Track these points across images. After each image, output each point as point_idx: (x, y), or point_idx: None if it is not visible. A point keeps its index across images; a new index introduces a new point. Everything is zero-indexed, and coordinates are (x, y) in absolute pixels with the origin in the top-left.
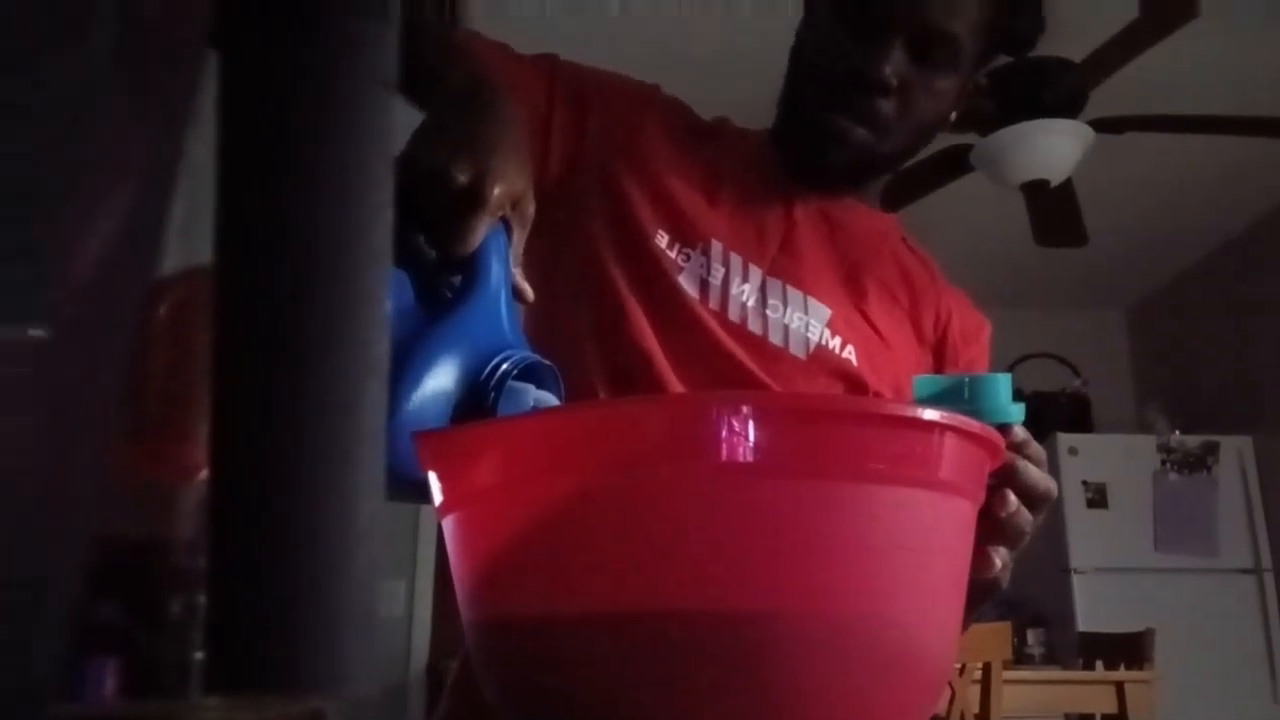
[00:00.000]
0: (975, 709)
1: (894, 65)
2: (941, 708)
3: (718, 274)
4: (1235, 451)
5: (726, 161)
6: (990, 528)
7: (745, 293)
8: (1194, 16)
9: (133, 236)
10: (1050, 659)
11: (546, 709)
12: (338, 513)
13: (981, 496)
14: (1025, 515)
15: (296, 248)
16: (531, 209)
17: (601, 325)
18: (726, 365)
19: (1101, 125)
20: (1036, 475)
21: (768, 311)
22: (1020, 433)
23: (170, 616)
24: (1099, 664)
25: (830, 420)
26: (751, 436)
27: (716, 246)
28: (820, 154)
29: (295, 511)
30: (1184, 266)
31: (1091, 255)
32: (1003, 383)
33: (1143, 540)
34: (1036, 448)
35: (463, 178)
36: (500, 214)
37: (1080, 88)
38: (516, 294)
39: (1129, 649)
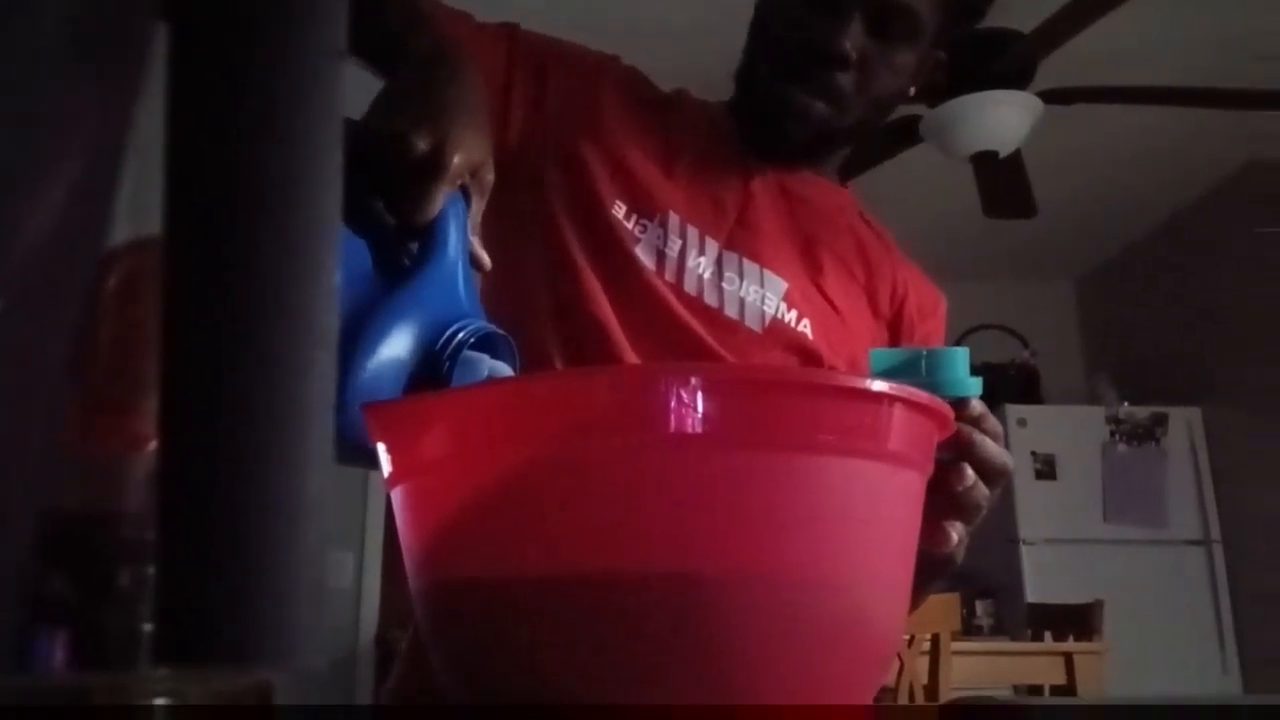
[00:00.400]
0: (924, 680)
1: (853, 39)
2: (890, 679)
3: (674, 245)
4: (1184, 423)
5: (684, 133)
6: (946, 502)
7: (701, 265)
8: None
9: (82, 207)
10: (999, 630)
11: (493, 675)
12: (286, 484)
13: (930, 468)
14: (982, 490)
15: (245, 218)
16: (490, 177)
17: (558, 295)
18: (682, 337)
19: (1050, 96)
20: (993, 449)
21: (724, 284)
22: (978, 406)
23: (119, 588)
24: (1048, 635)
25: (779, 391)
26: (700, 407)
27: (674, 218)
28: (778, 127)
29: (243, 483)
30: (1133, 238)
31: (1040, 227)
32: (960, 356)
33: (1091, 511)
34: (993, 422)
35: (422, 145)
36: (459, 182)
37: (1029, 59)
38: (474, 262)
39: (1078, 620)
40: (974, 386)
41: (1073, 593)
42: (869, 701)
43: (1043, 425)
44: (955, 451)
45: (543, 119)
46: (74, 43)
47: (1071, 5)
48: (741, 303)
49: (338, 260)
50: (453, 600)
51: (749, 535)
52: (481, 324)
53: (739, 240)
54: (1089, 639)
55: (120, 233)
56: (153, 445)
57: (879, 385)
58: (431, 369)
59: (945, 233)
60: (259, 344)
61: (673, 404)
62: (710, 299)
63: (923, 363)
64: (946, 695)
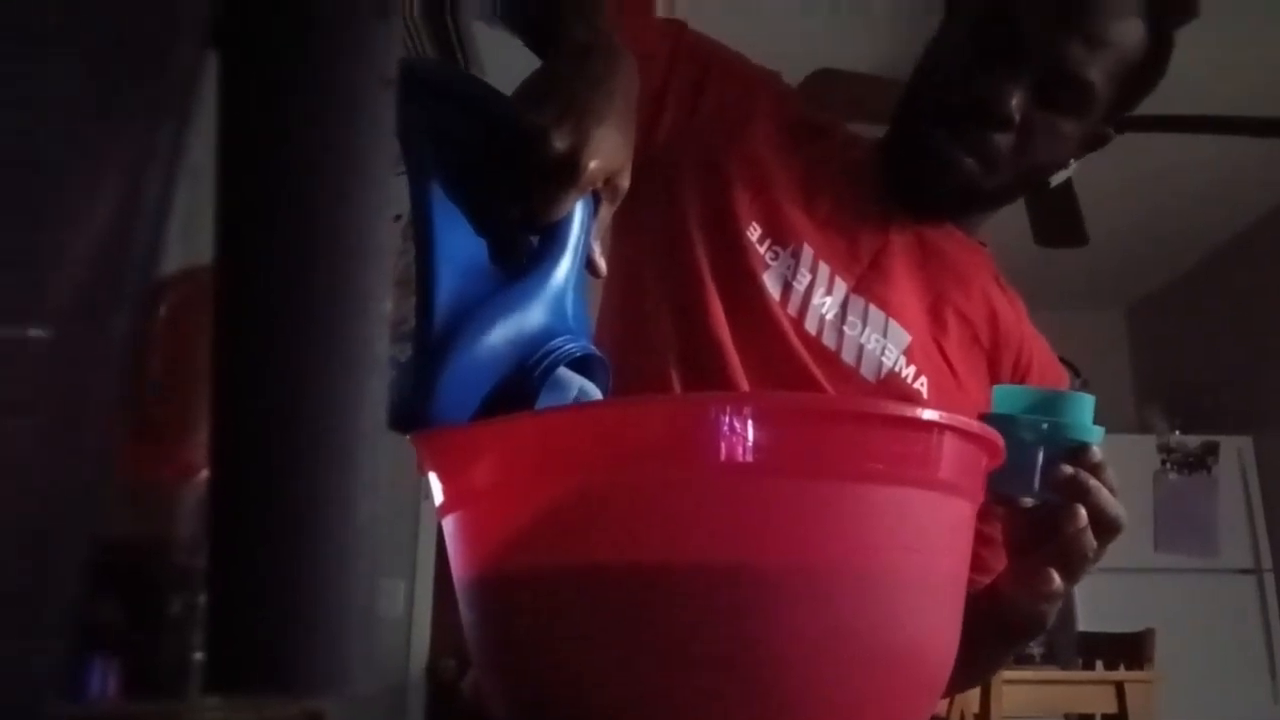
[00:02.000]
0: (975, 709)
1: (1019, 101)
2: (941, 708)
3: (803, 280)
4: (1235, 451)
5: (830, 166)
6: (1053, 543)
7: (826, 305)
8: (1194, 16)
9: (133, 236)
10: (1050, 659)
11: (546, 705)
12: (338, 513)
13: (980, 496)
14: (1090, 540)
15: (297, 247)
16: (625, 184)
17: (679, 305)
18: (795, 373)
19: None
20: (1109, 500)
21: (845, 328)
22: (1098, 454)
23: (170, 616)
24: (1099, 664)
25: (828, 420)
26: (751, 437)
27: (808, 252)
28: (925, 179)
29: (295, 511)
30: (1184, 267)
31: (1092, 255)
32: (1087, 403)
33: (1143, 540)
34: (1111, 475)
35: (561, 146)
36: (592, 188)
37: None
38: (590, 267)
39: (1129, 649)
40: (1097, 434)
41: (1124, 622)
42: None
43: (1104, 437)
44: (1070, 495)
45: (693, 124)
46: (120, 73)
47: None
48: (860, 350)
49: (388, 289)
50: (504, 629)
51: (800, 564)
52: (579, 344)
53: (869, 285)
54: (1140, 668)
55: (172, 261)
56: (204, 474)
57: (929, 414)
58: (521, 382)
59: (996, 262)
60: (310, 372)
61: (724, 433)
62: (829, 340)
63: (1052, 403)
64: None
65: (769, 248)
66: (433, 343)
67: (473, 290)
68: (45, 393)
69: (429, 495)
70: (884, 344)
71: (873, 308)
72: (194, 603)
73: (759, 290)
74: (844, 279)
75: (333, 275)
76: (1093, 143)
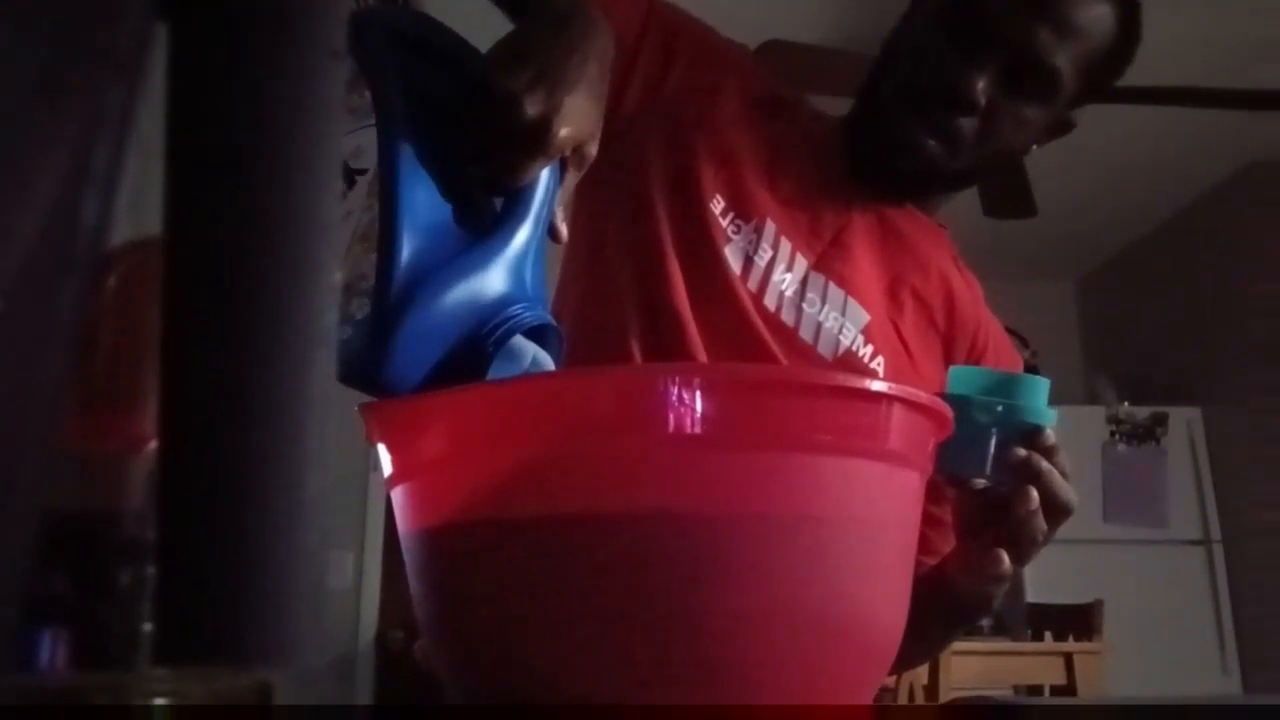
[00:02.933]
0: (924, 680)
1: (985, 85)
2: (890, 681)
3: (765, 255)
4: (1184, 423)
5: (794, 142)
6: (1003, 525)
7: (786, 281)
8: None
9: (81, 209)
10: (999, 630)
11: (495, 676)
12: (286, 484)
13: (929, 468)
14: (1041, 523)
15: (245, 220)
16: (593, 152)
17: (640, 274)
18: (753, 347)
19: None
20: (1061, 484)
21: (804, 305)
22: (1052, 437)
23: (119, 588)
24: (1048, 635)
25: (777, 391)
26: (699, 408)
27: (770, 226)
28: (888, 160)
29: (243, 483)
30: (1133, 238)
31: (1041, 227)
32: (1042, 386)
33: (1091, 511)
34: (1064, 459)
35: (533, 111)
36: (560, 155)
37: None
38: (552, 233)
39: (1078, 620)
40: (1051, 417)
41: (1073, 593)
42: (869, 701)
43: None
44: (1023, 477)
45: (660, 95)
46: (67, 46)
47: None
48: (818, 327)
49: (335, 259)
50: (454, 601)
51: (748, 535)
52: (534, 314)
53: (829, 263)
54: (1089, 639)
55: (121, 233)
56: (153, 445)
57: (877, 385)
58: (475, 348)
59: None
60: (258, 344)
61: (672, 404)
62: (787, 317)
63: (1007, 385)
64: (946, 695)
65: (732, 221)
66: (391, 301)
67: (434, 250)
68: None
69: (377, 466)
70: (842, 322)
71: (832, 286)
72: (143, 574)
73: (720, 263)
74: (805, 256)
75: (281, 247)
76: (1056, 129)
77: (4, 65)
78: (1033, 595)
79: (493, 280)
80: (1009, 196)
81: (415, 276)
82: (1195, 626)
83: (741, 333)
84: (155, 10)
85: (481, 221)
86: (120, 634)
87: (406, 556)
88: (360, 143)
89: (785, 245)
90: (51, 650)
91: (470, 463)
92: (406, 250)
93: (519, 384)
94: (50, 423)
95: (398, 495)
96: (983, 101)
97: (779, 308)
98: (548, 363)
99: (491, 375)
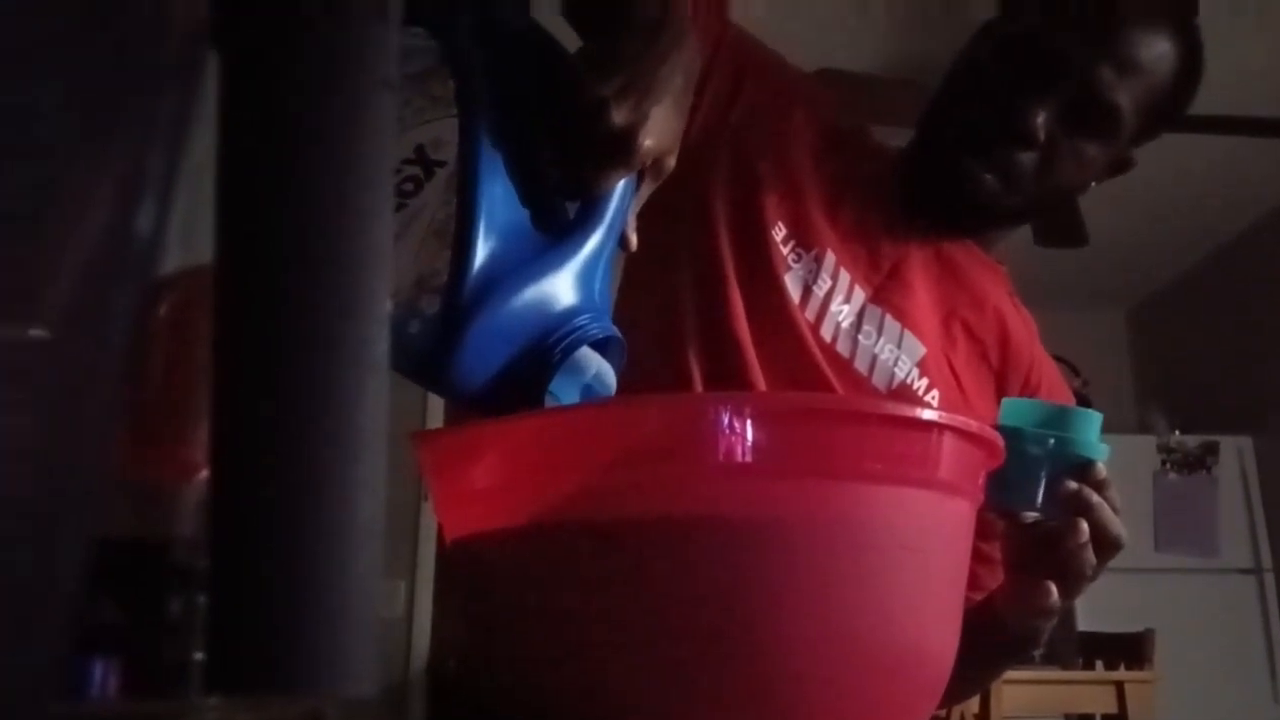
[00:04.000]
0: (975, 709)
1: (1046, 120)
2: (940, 711)
3: (824, 285)
4: (1235, 451)
5: (855, 174)
6: (1054, 559)
7: (844, 313)
8: (1194, 15)
9: (132, 237)
10: (1050, 659)
11: (549, 701)
12: (338, 513)
13: (980, 497)
14: (1091, 556)
15: (296, 247)
16: (671, 165)
17: (701, 300)
18: (811, 376)
19: None
20: (1111, 518)
21: (860, 337)
22: (1103, 471)
23: (170, 616)
24: (1099, 664)
25: (828, 420)
26: (750, 436)
27: (830, 257)
28: (945, 195)
29: (295, 511)
30: (1184, 267)
31: (1092, 256)
32: (1095, 420)
33: (1143, 540)
34: (1115, 494)
35: (620, 121)
36: (642, 166)
37: None
38: (622, 242)
39: (1129, 649)
40: (1103, 451)
41: (1124, 621)
42: None
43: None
44: (1074, 511)
45: (728, 120)
46: (119, 73)
47: None
48: (874, 360)
49: (388, 288)
50: (506, 629)
51: (797, 563)
52: (600, 325)
53: (887, 296)
54: (1140, 668)
55: (172, 261)
56: (204, 474)
57: (928, 414)
58: (540, 356)
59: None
60: (309, 372)
61: (722, 433)
62: (843, 349)
63: (1060, 417)
64: None
65: (793, 249)
66: (463, 300)
67: (508, 251)
68: (44, 393)
69: (429, 495)
70: (898, 355)
71: (889, 318)
72: (194, 603)
73: (780, 291)
74: (863, 288)
75: (332, 275)
76: (1116, 167)
77: (58, 90)
78: (1084, 624)
79: (563, 287)
80: (1060, 225)
81: (488, 278)
82: (1246, 655)
83: (799, 361)
84: (207, 39)
85: (555, 225)
86: (171, 662)
87: (457, 582)
88: (441, 133)
89: (844, 277)
90: (103, 678)
91: (521, 491)
92: (481, 251)
93: (570, 413)
94: (101, 451)
95: (448, 523)
96: (1042, 137)
97: (835, 338)
98: (610, 377)
99: (554, 386)
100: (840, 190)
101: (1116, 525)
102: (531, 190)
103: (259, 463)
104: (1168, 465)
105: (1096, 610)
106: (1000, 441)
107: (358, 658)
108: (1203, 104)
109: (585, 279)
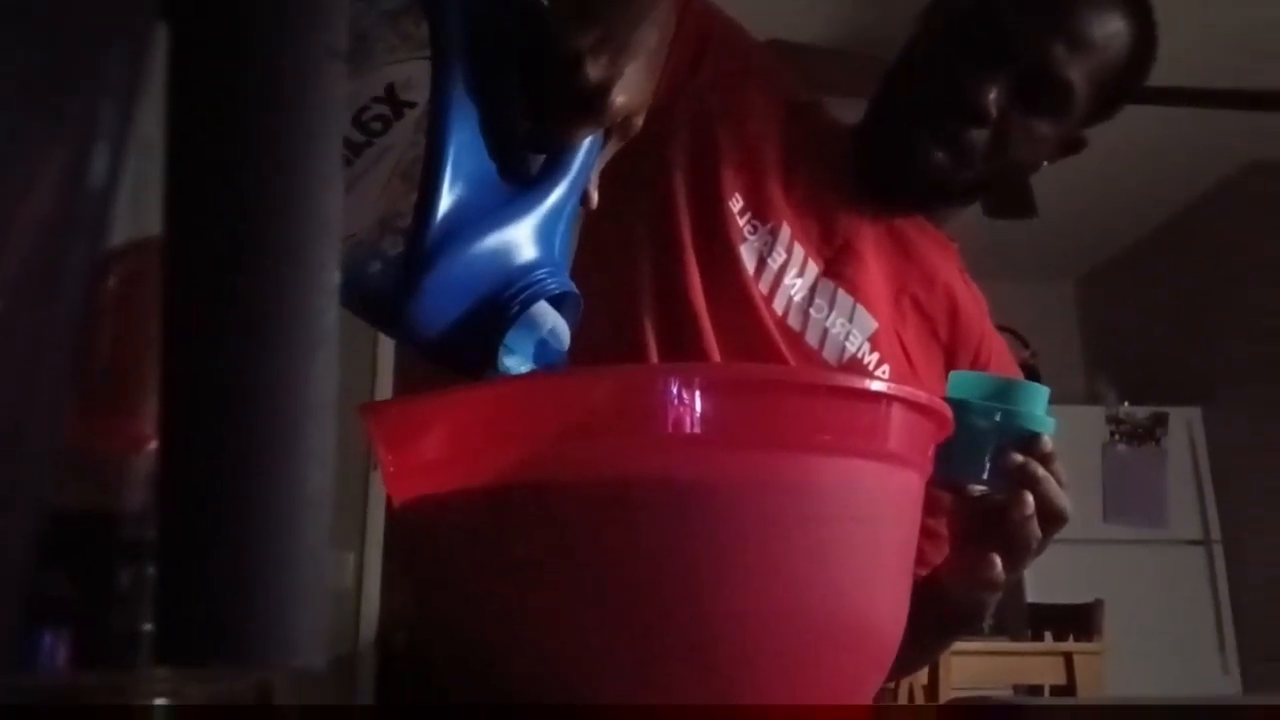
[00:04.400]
0: (924, 680)
1: (998, 96)
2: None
3: (778, 258)
4: (1184, 423)
5: (810, 148)
6: (999, 531)
7: (796, 287)
8: None
9: (80, 207)
10: (999, 630)
11: (499, 674)
12: (286, 484)
13: (929, 469)
14: (1036, 529)
15: (245, 219)
16: (638, 125)
17: (658, 266)
18: (765, 349)
19: None
20: (1056, 491)
21: (811, 311)
22: (1049, 445)
23: (119, 588)
24: (1048, 635)
25: (776, 391)
26: (699, 407)
27: (785, 230)
28: (896, 171)
29: (244, 483)
30: (1134, 238)
31: (1041, 227)
32: (1042, 393)
33: (1092, 511)
34: (1060, 467)
35: (594, 75)
36: (612, 123)
37: None
38: (583, 199)
39: (1078, 620)
40: (1049, 425)
41: (1073, 593)
42: (869, 701)
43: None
44: (1019, 483)
45: (689, 87)
46: (65, 43)
47: None
48: (824, 333)
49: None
50: (454, 599)
51: (747, 534)
52: (558, 281)
53: (840, 270)
54: (1089, 639)
55: (121, 233)
56: (153, 445)
57: (877, 385)
58: (497, 308)
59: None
60: (258, 343)
61: (671, 404)
62: (794, 322)
63: (1007, 391)
64: (946, 695)
65: (749, 221)
66: (426, 245)
67: (472, 199)
68: None
69: (378, 466)
70: (849, 329)
71: (841, 293)
72: (143, 574)
73: (735, 262)
74: (815, 262)
75: (281, 246)
76: (1068, 147)
77: (3, 61)
78: (1033, 595)
79: (524, 240)
80: (1009, 197)
81: (452, 224)
82: (1195, 626)
83: (753, 333)
84: (155, 10)
85: (520, 177)
86: (120, 634)
87: (406, 553)
88: (411, 74)
89: (798, 250)
90: (51, 650)
91: (470, 462)
92: (447, 197)
93: (519, 384)
94: (52, 424)
95: (397, 494)
96: (994, 113)
97: (787, 312)
98: (565, 334)
99: (510, 340)
100: (795, 163)
101: (1062, 498)
102: (499, 139)
103: (207, 434)
104: (1116, 436)
105: (1045, 581)
106: (949, 413)
107: (306, 629)
108: (1153, 75)
109: (547, 233)
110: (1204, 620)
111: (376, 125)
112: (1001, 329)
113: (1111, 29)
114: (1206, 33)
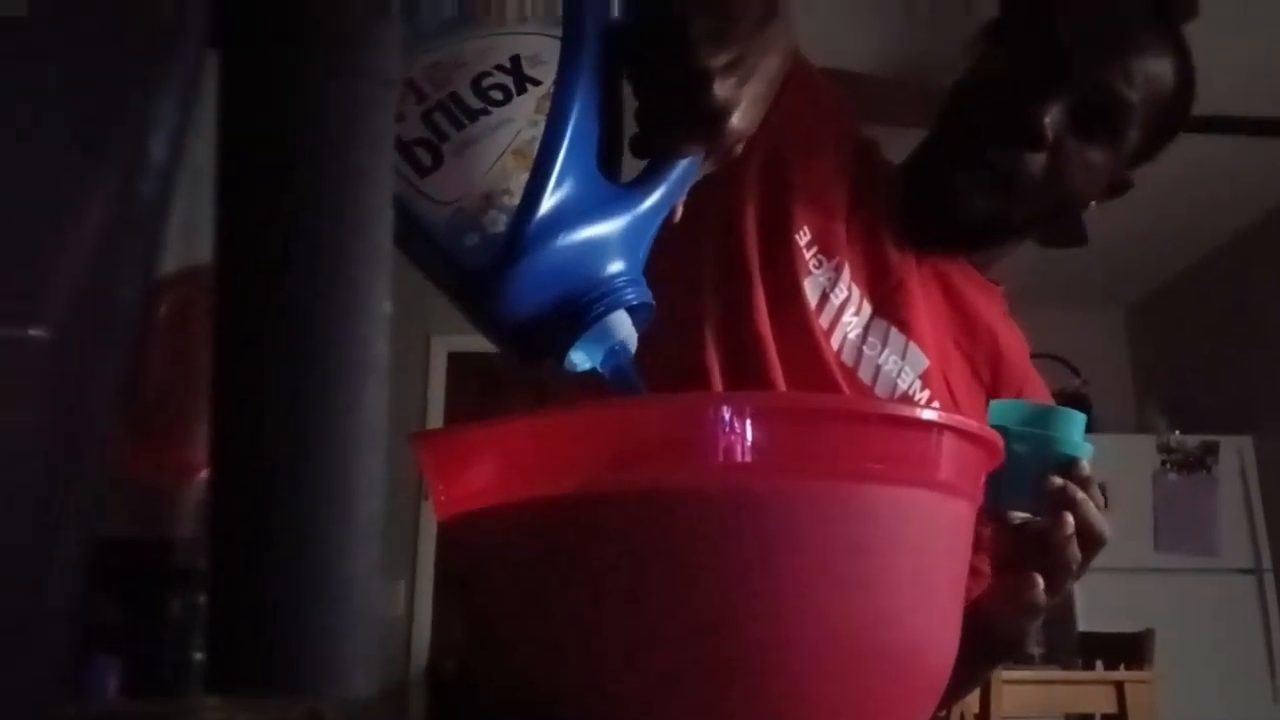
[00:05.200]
0: (975, 709)
1: (1054, 119)
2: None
3: (840, 295)
4: (1235, 451)
5: (868, 187)
6: (1040, 555)
7: (853, 325)
8: (1194, 16)
9: (132, 237)
10: (1050, 659)
11: (548, 703)
12: (338, 513)
13: (979, 498)
14: (1075, 551)
15: (296, 248)
16: (738, 152)
17: (725, 291)
18: (824, 382)
19: None
20: (1095, 514)
21: (865, 348)
22: (1087, 469)
23: (171, 617)
24: (1099, 664)
25: (828, 420)
26: (749, 436)
27: (848, 269)
28: (936, 215)
29: (295, 512)
30: (1184, 266)
31: (1092, 255)
32: (1079, 420)
33: (1143, 540)
34: (1097, 491)
35: (720, 97)
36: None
37: None
38: (670, 211)
39: (1129, 649)
40: (1086, 450)
41: (1124, 622)
42: None
43: (1093, 454)
44: (1059, 505)
45: (765, 120)
46: (120, 73)
47: None
48: (878, 370)
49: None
50: (504, 629)
51: (798, 565)
52: (637, 291)
53: (892, 309)
54: (1140, 668)
55: (172, 261)
56: (204, 474)
57: (928, 414)
58: (575, 310)
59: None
60: (310, 372)
61: (722, 433)
62: (848, 358)
63: (1045, 417)
64: None
65: (815, 255)
66: (530, 229)
67: (576, 193)
68: (45, 393)
69: (429, 495)
70: (901, 365)
71: (894, 331)
72: (194, 603)
73: (798, 294)
74: (869, 301)
75: (332, 275)
76: (1116, 188)
77: (58, 89)
78: (1084, 624)
79: (615, 245)
80: (1060, 225)
81: (556, 215)
82: (1246, 655)
83: (815, 367)
84: (208, 39)
85: (612, 178)
86: (172, 662)
87: (456, 582)
88: (540, 50)
89: (856, 290)
90: (103, 679)
91: (519, 492)
92: (557, 188)
93: (569, 414)
94: (102, 452)
95: (447, 525)
96: (1051, 136)
97: (841, 348)
98: (633, 343)
99: (579, 346)
100: (855, 203)
101: (1100, 521)
102: (611, 138)
103: (259, 463)
104: (1167, 465)
105: (1096, 610)
106: (999, 442)
107: (357, 658)
108: (1204, 103)
109: (634, 241)
110: (1255, 649)
111: (496, 94)
112: (1052, 358)
113: (1160, 68)
114: (1259, 61)
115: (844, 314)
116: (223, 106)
